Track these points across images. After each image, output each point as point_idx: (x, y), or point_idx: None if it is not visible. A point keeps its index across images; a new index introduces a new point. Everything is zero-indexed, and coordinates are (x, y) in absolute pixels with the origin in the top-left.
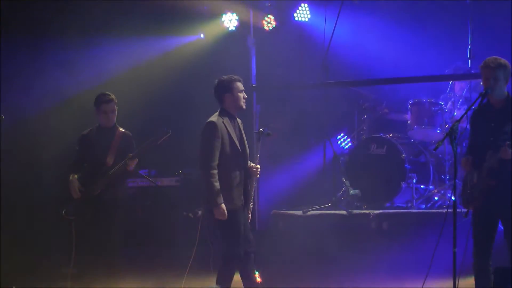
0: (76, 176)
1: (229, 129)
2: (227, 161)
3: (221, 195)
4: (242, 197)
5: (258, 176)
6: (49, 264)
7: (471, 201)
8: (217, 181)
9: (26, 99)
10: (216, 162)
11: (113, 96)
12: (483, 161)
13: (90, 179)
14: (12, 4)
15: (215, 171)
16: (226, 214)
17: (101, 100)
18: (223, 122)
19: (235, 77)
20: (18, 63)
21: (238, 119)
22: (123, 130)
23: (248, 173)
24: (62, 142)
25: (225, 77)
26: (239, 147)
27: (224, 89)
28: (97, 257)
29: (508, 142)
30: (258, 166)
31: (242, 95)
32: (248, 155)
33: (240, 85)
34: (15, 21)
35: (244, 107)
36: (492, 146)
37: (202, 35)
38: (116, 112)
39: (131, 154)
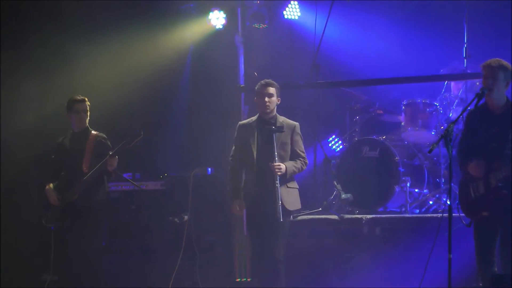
0: (52, 185)
1: (248, 131)
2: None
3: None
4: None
5: (278, 174)
6: (29, 271)
7: (477, 211)
8: None
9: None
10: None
11: (85, 98)
12: (490, 170)
13: (67, 186)
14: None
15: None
16: None
17: (73, 101)
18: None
19: (261, 82)
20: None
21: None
22: (96, 133)
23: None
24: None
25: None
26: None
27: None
28: (77, 263)
29: None
30: (278, 164)
31: (260, 100)
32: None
33: (261, 88)
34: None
35: (264, 111)
36: (499, 154)
37: (190, 38)
38: (88, 114)
39: (111, 152)
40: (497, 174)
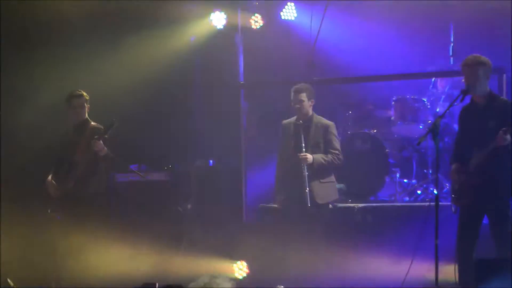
0: (50, 177)
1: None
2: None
3: None
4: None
5: (305, 163)
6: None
7: (461, 198)
8: None
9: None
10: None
11: (83, 92)
12: (471, 159)
13: (64, 176)
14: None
15: None
16: None
17: (71, 95)
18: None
19: (292, 89)
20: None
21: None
22: (94, 124)
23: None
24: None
25: None
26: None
27: None
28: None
29: (504, 128)
30: (304, 154)
31: (296, 105)
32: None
33: (293, 95)
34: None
35: (298, 116)
36: (478, 144)
37: (192, 38)
38: (87, 108)
39: (96, 136)
40: (474, 162)
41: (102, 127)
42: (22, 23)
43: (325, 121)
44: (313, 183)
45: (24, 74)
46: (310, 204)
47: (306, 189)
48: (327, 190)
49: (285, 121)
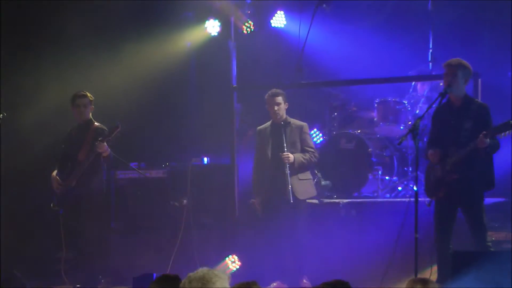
0: (55, 172)
1: (263, 135)
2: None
3: None
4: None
5: (286, 161)
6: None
7: (435, 192)
8: None
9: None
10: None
11: (87, 93)
12: (446, 156)
13: (68, 173)
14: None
15: None
16: None
17: (75, 96)
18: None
19: (268, 93)
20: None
21: (293, 124)
22: (97, 125)
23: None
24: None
25: None
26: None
27: None
28: (82, 244)
29: (485, 132)
30: (286, 153)
31: (271, 109)
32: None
33: (268, 100)
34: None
35: (275, 118)
36: (454, 142)
37: (189, 44)
38: (90, 108)
39: (100, 138)
40: (451, 160)
41: (106, 128)
42: (26, 26)
43: (299, 122)
44: (292, 180)
45: (27, 75)
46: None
47: (289, 186)
48: (306, 187)
49: (259, 127)
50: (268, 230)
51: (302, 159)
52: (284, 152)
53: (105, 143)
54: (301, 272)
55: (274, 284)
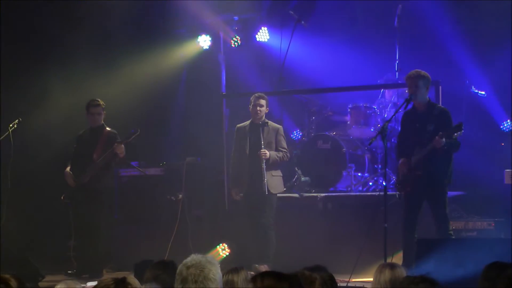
0: (69, 168)
1: (242, 133)
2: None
3: None
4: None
5: (263, 157)
6: (54, 238)
7: (403, 187)
8: None
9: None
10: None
11: (100, 102)
12: (412, 155)
13: (81, 170)
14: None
15: None
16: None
17: (90, 104)
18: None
19: (255, 95)
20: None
21: (270, 125)
22: (109, 129)
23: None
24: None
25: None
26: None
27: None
28: (90, 233)
29: (440, 133)
30: (264, 150)
31: (253, 109)
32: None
33: (253, 100)
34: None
35: (255, 117)
36: (418, 143)
37: (182, 56)
38: (103, 115)
39: (118, 140)
40: (415, 158)
41: (116, 132)
42: (33, 37)
43: (275, 124)
44: (267, 175)
45: (33, 83)
46: (265, 193)
47: (264, 179)
48: (277, 182)
49: (239, 125)
50: (252, 220)
51: (276, 157)
52: (262, 149)
53: (123, 145)
54: (266, 259)
55: (256, 265)
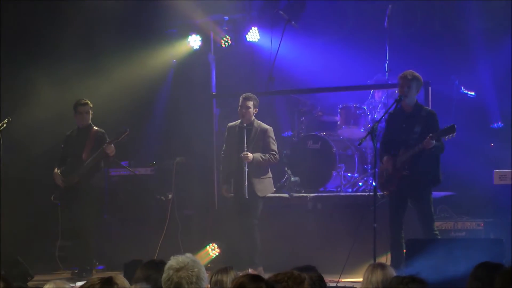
0: (58, 169)
1: (232, 132)
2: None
3: None
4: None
5: (246, 160)
6: (43, 238)
7: (388, 186)
8: None
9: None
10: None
11: (87, 101)
12: (397, 156)
13: (70, 171)
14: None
15: None
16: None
17: (78, 104)
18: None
19: (242, 96)
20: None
21: (258, 126)
22: (97, 129)
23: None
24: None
25: None
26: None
27: None
28: (79, 232)
29: (431, 134)
30: (245, 153)
31: (240, 111)
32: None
33: (241, 101)
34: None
35: (242, 119)
36: (404, 144)
37: (174, 60)
38: (90, 114)
39: (108, 140)
40: (401, 159)
41: (104, 131)
42: (26, 35)
43: (265, 126)
44: (254, 179)
45: (26, 81)
46: (248, 196)
47: (245, 183)
48: (265, 185)
49: (230, 124)
50: (239, 220)
51: (261, 159)
52: (245, 151)
53: (113, 145)
54: (253, 262)
55: (250, 270)
